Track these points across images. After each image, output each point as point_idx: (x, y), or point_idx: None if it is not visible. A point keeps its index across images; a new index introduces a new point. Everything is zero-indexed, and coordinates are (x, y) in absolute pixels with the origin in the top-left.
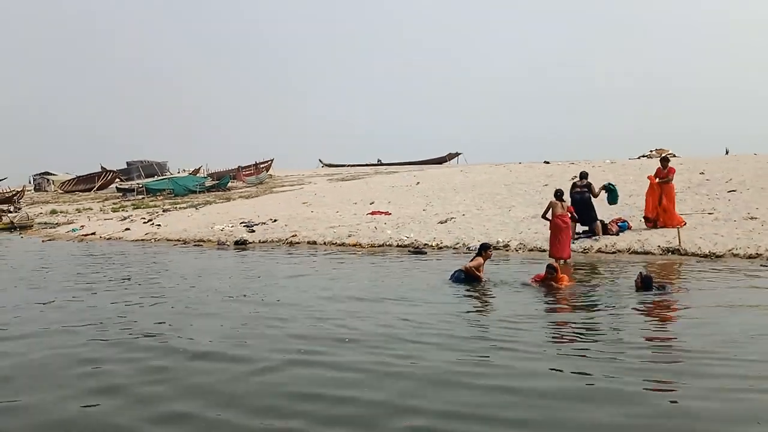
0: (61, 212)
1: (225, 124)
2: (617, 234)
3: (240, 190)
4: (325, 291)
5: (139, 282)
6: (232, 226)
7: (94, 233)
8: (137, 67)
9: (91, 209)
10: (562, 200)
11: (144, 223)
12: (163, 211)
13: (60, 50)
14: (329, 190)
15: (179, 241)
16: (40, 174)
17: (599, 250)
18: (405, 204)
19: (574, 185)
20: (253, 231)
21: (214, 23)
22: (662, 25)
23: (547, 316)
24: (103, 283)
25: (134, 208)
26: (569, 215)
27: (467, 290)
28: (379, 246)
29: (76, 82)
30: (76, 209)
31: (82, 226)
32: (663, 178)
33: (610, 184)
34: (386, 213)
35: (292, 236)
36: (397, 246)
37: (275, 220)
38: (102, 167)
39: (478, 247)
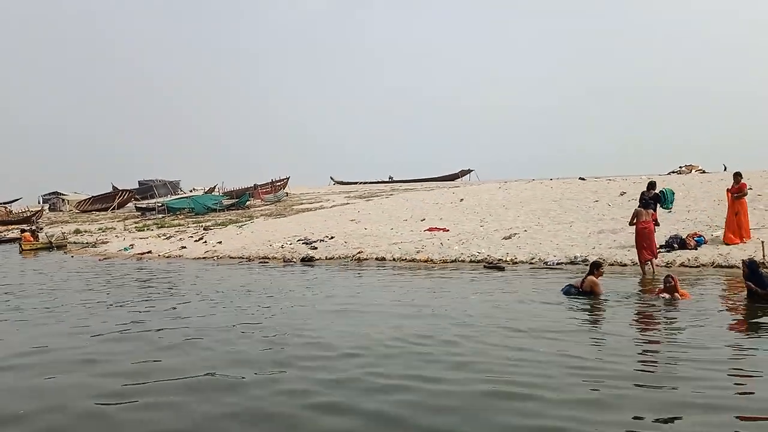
0: (86, 232)
1: (225, 143)
2: (695, 248)
3: (259, 209)
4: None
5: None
6: (290, 243)
7: (149, 252)
8: (143, 87)
9: (114, 228)
10: (647, 208)
11: (195, 241)
12: (205, 229)
13: (60, 64)
14: (372, 208)
15: (242, 258)
16: (49, 194)
17: (682, 264)
18: (458, 221)
19: (642, 195)
20: (315, 248)
21: (212, 34)
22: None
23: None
24: (265, 304)
25: (158, 227)
26: (653, 222)
27: (602, 306)
28: (452, 261)
29: (78, 101)
30: (99, 228)
31: (132, 245)
32: (735, 193)
33: (662, 190)
34: (444, 229)
35: (359, 253)
36: (470, 261)
37: (332, 237)
38: (114, 187)
39: (559, 261)
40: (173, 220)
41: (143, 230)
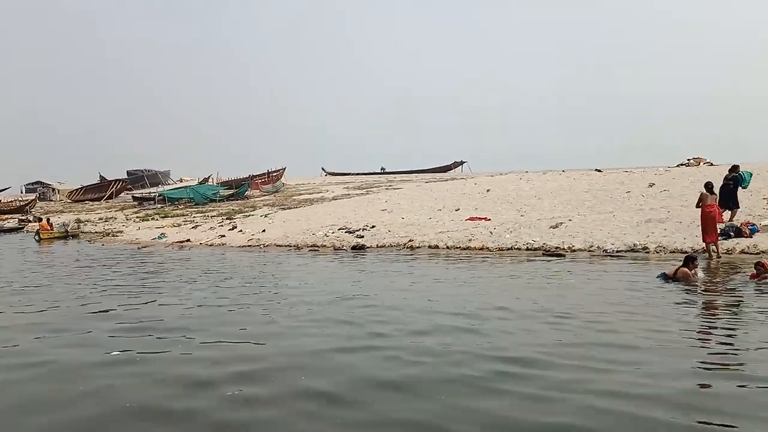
0: (87, 221)
1: (209, 133)
2: (750, 236)
3: (259, 199)
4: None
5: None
6: (333, 232)
7: (188, 240)
8: (129, 82)
9: (116, 218)
10: (711, 192)
11: (229, 230)
12: (228, 218)
13: (44, 56)
14: (401, 198)
15: (291, 246)
16: (32, 183)
17: (742, 251)
18: (495, 211)
19: (725, 177)
20: (362, 236)
21: (203, 33)
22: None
23: None
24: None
25: (162, 217)
26: (717, 206)
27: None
28: (507, 249)
29: (55, 89)
30: (100, 218)
31: (164, 234)
32: None
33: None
34: (486, 219)
35: (410, 241)
36: (527, 249)
37: (373, 226)
38: (101, 177)
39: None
40: (173, 210)
41: (147, 220)
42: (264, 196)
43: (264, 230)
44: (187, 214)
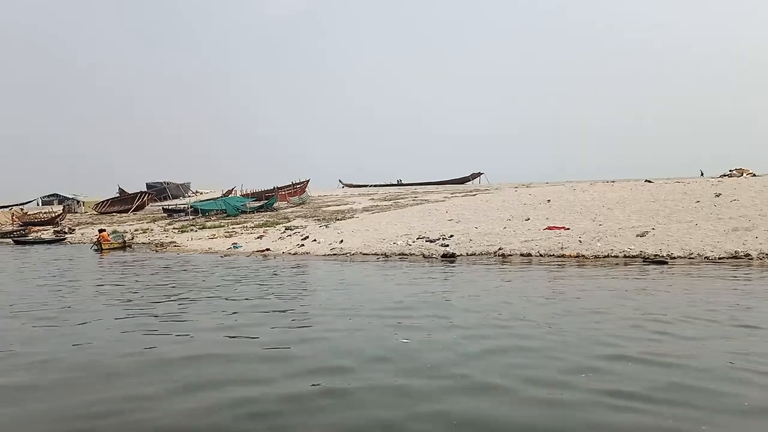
0: (125, 232)
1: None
2: None
3: (289, 210)
4: None
5: None
6: (413, 241)
7: (268, 249)
8: (125, 103)
9: (152, 229)
10: None
11: (303, 239)
12: (286, 229)
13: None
14: (460, 209)
15: (378, 255)
16: (49, 195)
17: None
18: (569, 220)
19: None
20: (447, 245)
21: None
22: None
23: None
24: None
25: (200, 228)
26: None
27: None
28: (603, 257)
29: (63, 114)
30: (135, 230)
31: (234, 244)
32: None
33: None
34: (564, 228)
35: (499, 249)
36: (624, 257)
37: (451, 236)
38: (121, 189)
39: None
40: (206, 221)
41: (186, 231)
42: (291, 207)
43: (342, 240)
44: (224, 225)
